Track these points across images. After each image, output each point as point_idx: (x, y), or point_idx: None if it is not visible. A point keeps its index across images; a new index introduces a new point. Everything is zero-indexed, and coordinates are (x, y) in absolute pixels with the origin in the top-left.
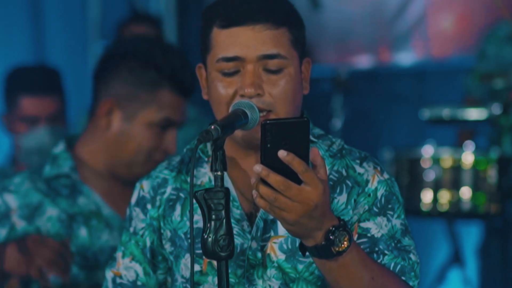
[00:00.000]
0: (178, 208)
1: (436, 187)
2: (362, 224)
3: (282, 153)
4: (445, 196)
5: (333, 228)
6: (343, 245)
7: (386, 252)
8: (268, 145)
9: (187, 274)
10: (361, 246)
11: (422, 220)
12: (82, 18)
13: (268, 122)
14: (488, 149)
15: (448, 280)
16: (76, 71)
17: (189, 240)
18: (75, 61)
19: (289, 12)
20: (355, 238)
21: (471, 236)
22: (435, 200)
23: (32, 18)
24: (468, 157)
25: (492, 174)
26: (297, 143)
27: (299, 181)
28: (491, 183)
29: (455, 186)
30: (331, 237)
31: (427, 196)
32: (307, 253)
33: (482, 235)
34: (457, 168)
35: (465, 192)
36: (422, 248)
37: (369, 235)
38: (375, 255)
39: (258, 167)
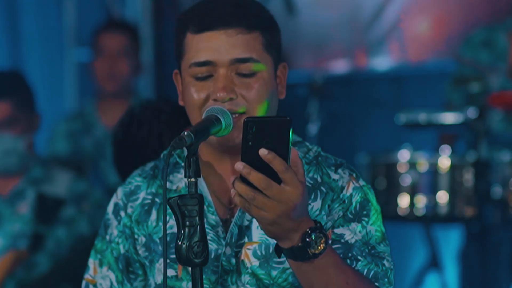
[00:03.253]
0: (154, 213)
1: (413, 191)
2: (336, 230)
3: (263, 152)
4: (421, 201)
5: (310, 231)
6: (319, 247)
7: (359, 258)
8: (250, 143)
9: (158, 279)
10: None
11: (399, 225)
12: (58, 24)
13: (250, 119)
14: (465, 153)
15: (425, 284)
16: (52, 77)
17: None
18: (52, 67)
19: (262, 16)
20: None
21: (450, 240)
22: (411, 204)
23: (8, 23)
24: (444, 162)
25: (469, 178)
26: (279, 142)
27: (278, 181)
28: (468, 187)
29: (432, 190)
30: (307, 239)
31: (403, 201)
32: (281, 258)
33: (461, 239)
34: (433, 172)
35: (442, 196)
36: (399, 252)
37: (342, 240)
38: (348, 260)
39: (240, 165)
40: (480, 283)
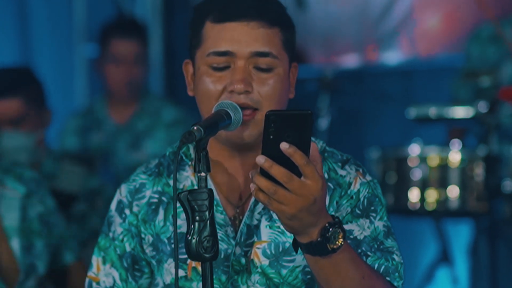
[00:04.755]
0: (161, 213)
1: (423, 186)
2: (345, 226)
3: (284, 145)
4: (432, 195)
5: (328, 226)
6: (337, 243)
7: (368, 253)
8: (271, 137)
9: (167, 279)
10: None
11: (410, 219)
12: (68, 20)
13: (272, 113)
14: (475, 148)
15: (436, 279)
16: (62, 73)
17: (173, 245)
18: (62, 64)
19: (282, 13)
20: None
21: (460, 234)
22: (422, 199)
23: (18, 21)
24: (455, 156)
25: (479, 172)
26: (300, 136)
27: (298, 175)
28: (479, 182)
29: (442, 184)
30: (326, 234)
31: (414, 195)
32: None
33: (471, 233)
34: (444, 166)
35: (453, 191)
36: (409, 247)
37: (351, 236)
38: None
39: (261, 158)
40: (491, 277)
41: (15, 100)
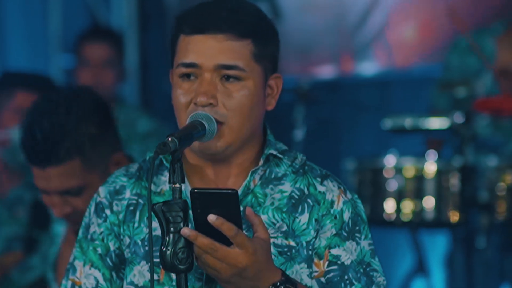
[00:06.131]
0: (137, 214)
1: (399, 196)
2: (332, 251)
3: (211, 218)
4: (408, 206)
5: (273, 287)
6: None
7: (354, 282)
8: (198, 210)
9: (140, 281)
10: (331, 274)
11: (385, 230)
12: (43, 31)
13: (195, 191)
14: (451, 159)
15: None
16: None
17: (146, 248)
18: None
19: (257, 25)
20: (325, 264)
21: (436, 245)
22: (398, 210)
23: None
24: (431, 167)
25: (455, 183)
26: (228, 210)
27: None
28: (454, 192)
29: (418, 195)
30: None
31: (390, 206)
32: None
33: (447, 244)
34: (420, 177)
35: (428, 202)
36: (386, 258)
37: (339, 262)
38: (343, 284)
39: (187, 231)
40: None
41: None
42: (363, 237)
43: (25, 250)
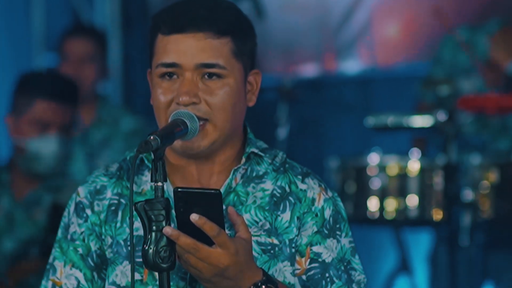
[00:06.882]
0: (119, 214)
1: (383, 195)
2: (314, 248)
3: (194, 217)
4: (391, 204)
5: (254, 287)
6: None
7: (335, 279)
8: (181, 209)
9: (122, 281)
10: (312, 271)
11: (369, 228)
12: (26, 30)
13: (179, 190)
14: (435, 157)
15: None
16: None
17: (129, 248)
18: (20, 73)
19: (236, 22)
20: (307, 262)
21: (419, 243)
22: (381, 208)
23: None
24: (414, 165)
25: (438, 181)
26: (210, 210)
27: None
28: (438, 190)
29: (402, 193)
30: None
31: (373, 204)
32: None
33: (431, 242)
34: (403, 175)
35: (412, 200)
36: (369, 256)
37: (320, 260)
38: (323, 282)
39: (169, 230)
40: (450, 286)
41: (70, 106)
42: (343, 234)
43: (41, 254)
